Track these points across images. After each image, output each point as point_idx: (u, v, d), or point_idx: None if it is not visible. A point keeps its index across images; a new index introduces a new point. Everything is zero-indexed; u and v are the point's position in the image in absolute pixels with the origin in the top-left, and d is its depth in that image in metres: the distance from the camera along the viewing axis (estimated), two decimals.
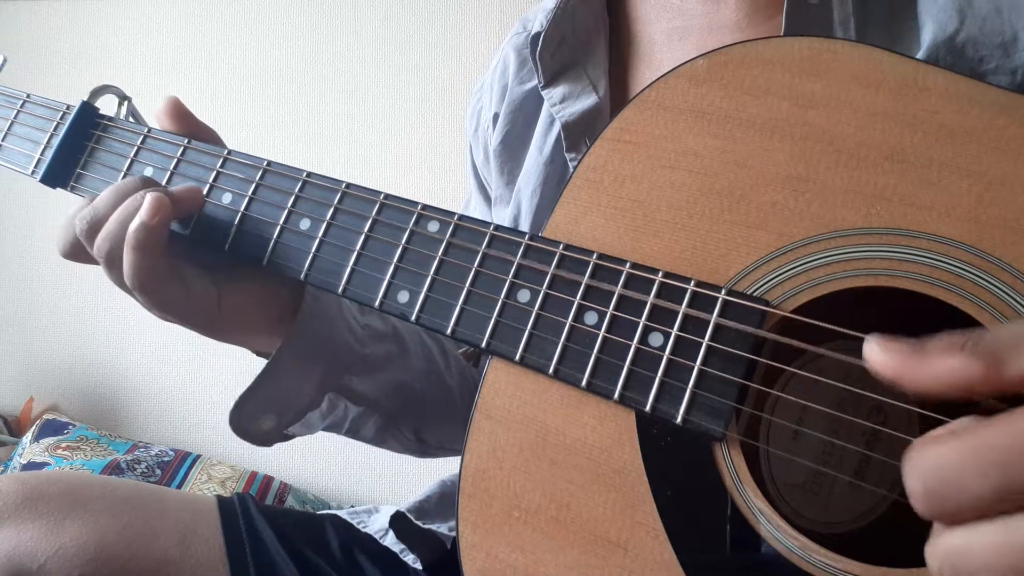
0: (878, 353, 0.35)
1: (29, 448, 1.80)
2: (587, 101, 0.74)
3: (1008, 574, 0.30)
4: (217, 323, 0.64)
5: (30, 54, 2.00)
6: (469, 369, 0.85)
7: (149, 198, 0.58)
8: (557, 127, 0.75)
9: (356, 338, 0.71)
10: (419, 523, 0.82)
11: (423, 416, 0.80)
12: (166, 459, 1.76)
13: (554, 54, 0.77)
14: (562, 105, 0.75)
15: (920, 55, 0.61)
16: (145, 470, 1.71)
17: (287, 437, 0.72)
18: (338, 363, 0.70)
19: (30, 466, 1.72)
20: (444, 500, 0.86)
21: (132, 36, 1.96)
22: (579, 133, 0.73)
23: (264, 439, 0.68)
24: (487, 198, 0.91)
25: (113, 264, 0.60)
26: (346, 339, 0.70)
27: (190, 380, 1.95)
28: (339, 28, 1.81)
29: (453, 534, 0.83)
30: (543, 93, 0.78)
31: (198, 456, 1.81)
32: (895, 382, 0.35)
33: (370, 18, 1.79)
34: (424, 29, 1.75)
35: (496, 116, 0.85)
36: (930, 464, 0.32)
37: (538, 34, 0.77)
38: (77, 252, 0.63)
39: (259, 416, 0.67)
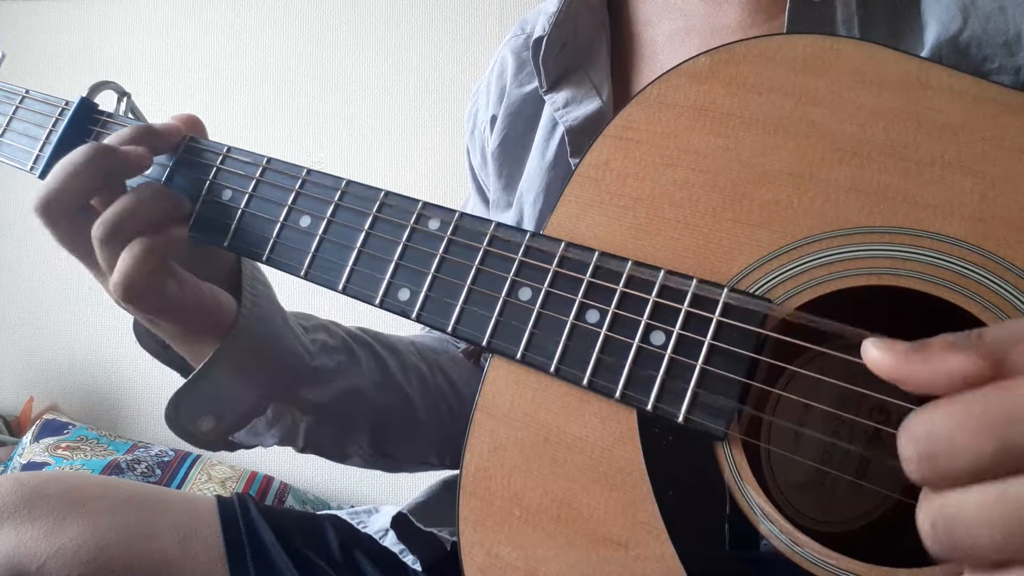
0: (876, 352, 0.35)
1: (29, 448, 1.80)
2: (591, 105, 0.74)
3: (1007, 529, 0.30)
4: (206, 316, 0.63)
5: (30, 54, 2.00)
6: (434, 378, 0.83)
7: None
8: (560, 132, 0.75)
9: (306, 349, 0.70)
10: (420, 525, 0.82)
11: (381, 426, 0.79)
12: (166, 459, 1.76)
13: (556, 58, 0.76)
14: (565, 110, 0.75)
15: (924, 54, 0.61)
16: (145, 470, 1.70)
17: (234, 445, 0.71)
18: (285, 371, 0.69)
19: (30, 466, 1.71)
20: (446, 501, 0.86)
21: (132, 36, 1.96)
22: (583, 138, 0.73)
23: (205, 441, 0.67)
24: (485, 200, 0.90)
25: (113, 242, 0.59)
26: (294, 347, 0.69)
27: None
28: (339, 28, 1.81)
29: (453, 538, 0.82)
30: (545, 98, 0.77)
31: (198, 456, 1.80)
32: (896, 380, 0.35)
33: (370, 18, 1.79)
34: (424, 30, 1.75)
35: (494, 118, 0.85)
36: (923, 429, 0.32)
37: (540, 38, 0.76)
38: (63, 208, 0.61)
39: (197, 416, 0.65)
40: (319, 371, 0.71)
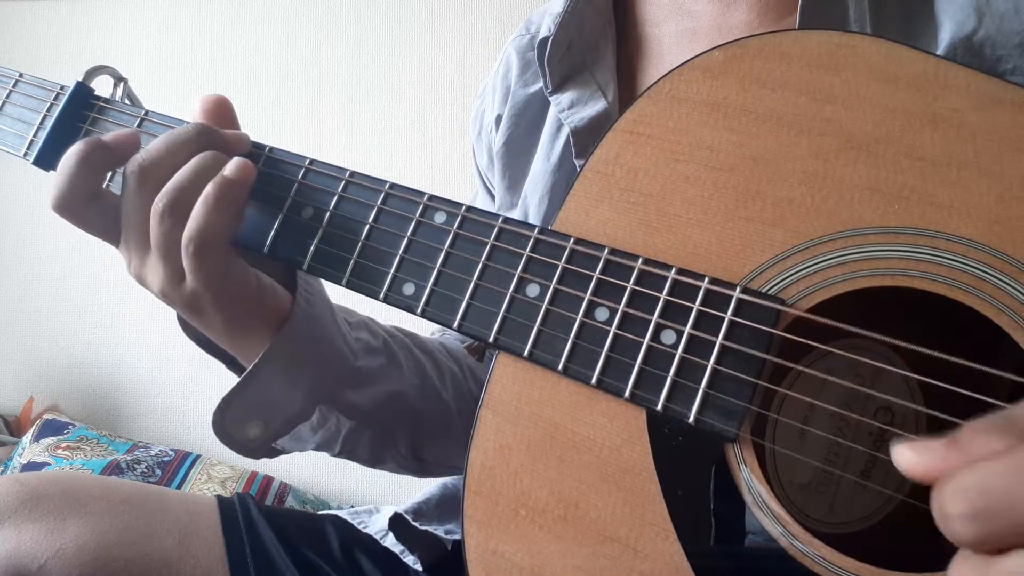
0: (911, 457, 0.33)
1: (29, 448, 1.80)
2: (596, 106, 0.73)
3: None
4: (253, 306, 0.61)
5: (29, 54, 1.99)
6: (466, 382, 0.83)
7: (236, 161, 0.57)
8: (565, 133, 0.75)
9: (350, 349, 0.69)
10: (416, 524, 0.81)
11: (419, 430, 0.78)
12: (166, 459, 1.75)
13: (561, 59, 0.76)
14: (571, 111, 0.74)
15: (938, 54, 0.60)
16: (145, 470, 1.70)
17: (276, 452, 0.69)
18: (330, 372, 0.67)
19: (30, 466, 1.71)
20: (444, 502, 0.85)
21: (131, 37, 1.96)
22: (588, 139, 0.73)
23: (250, 448, 0.65)
24: (493, 200, 0.90)
25: (174, 214, 0.56)
26: (339, 348, 0.68)
27: (190, 380, 1.95)
28: (339, 27, 1.81)
29: (450, 537, 0.82)
30: (551, 99, 0.77)
31: (198, 456, 1.80)
32: (934, 481, 0.32)
33: (370, 18, 1.79)
34: (424, 30, 1.75)
35: (499, 118, 0.85)
36: (977, 483, 0.30)
37: (545, 39, 0.76)
38: (74, 204, 0.59)
39: (244, 422, 0.63)
40: (361, 372, 0.70)
